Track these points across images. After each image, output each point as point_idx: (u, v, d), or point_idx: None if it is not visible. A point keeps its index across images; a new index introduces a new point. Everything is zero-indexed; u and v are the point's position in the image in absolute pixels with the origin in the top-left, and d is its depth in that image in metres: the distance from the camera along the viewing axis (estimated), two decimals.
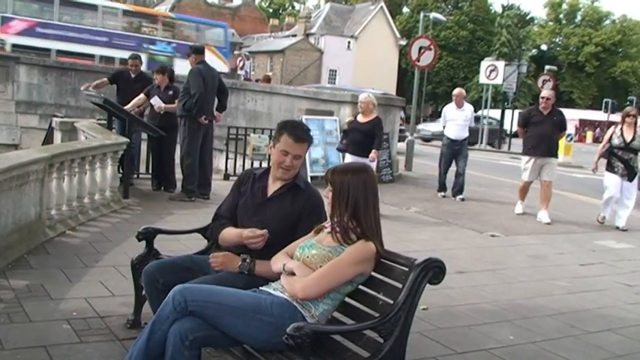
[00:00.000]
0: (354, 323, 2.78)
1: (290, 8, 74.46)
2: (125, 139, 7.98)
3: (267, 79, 19.64)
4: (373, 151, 8.22)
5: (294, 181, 3.27)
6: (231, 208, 3.40)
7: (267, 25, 56.73)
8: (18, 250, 5.16)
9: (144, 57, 26.45)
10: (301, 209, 3.20)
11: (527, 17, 60.78)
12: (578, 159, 21.70)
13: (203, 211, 7.30)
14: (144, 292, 3.42)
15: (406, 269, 2.71)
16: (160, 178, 9.14)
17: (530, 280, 5.94)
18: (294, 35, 52.56)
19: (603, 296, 5.62)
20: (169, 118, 8.74)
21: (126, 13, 29.42)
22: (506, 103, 33.50)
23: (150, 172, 9.57)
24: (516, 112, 34.06)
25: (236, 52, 38.16)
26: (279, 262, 2.97)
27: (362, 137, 8.28)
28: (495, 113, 32.85)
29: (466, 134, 10.64)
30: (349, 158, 8.37)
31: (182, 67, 24.72)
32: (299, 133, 3.20)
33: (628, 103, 33.01)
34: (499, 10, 59.51)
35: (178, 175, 8.84)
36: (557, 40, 66.29)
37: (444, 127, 10.86)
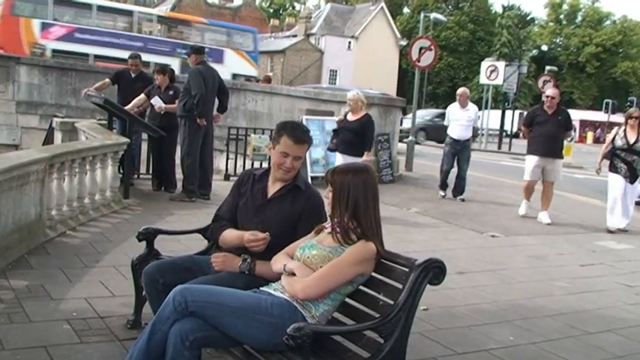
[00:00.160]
0: (355, 324, 2.78)
1: (290, 8, 74.47)
2: (125, 140, 7.99)
3: (268, 80, 19.64)
4: (365, 153, 8.04)
5: (294, 182, 3.27)
6: (231, 209, 3.40)
7: (268, 26, 56.69)
8: (18, 250, 5.16)
9: (177, 62, 26.85)
10: (301, 210, 3.20)
11: (528, 18, 60.83)
12: (578, 159, 21.71)
13: (203, 211, 7.30)
14: (144, 293, 3.42)
15: (406, 270, 2.71)
16: (161, 179, 9.15)
17: (530, 281, 5.94)
18: (295, 35, 52.57)
19: (603, 297, 5.62)
20: (170, 118, 8.74)
21: (160, 18, 30.08)
22: (506, 104, 33.50)
23: (150, 172, 9.57)
24: (517, 112, 34.24)
25: None
26: (279, 262, 2.97)
27: (352, 136, 8.14)
28: (496, 114, 32.85)
29: (469, 134, 10.54)
30: (340, 158, 8.24)
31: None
32: (299, 134, 3.19)
33: (628, 103, 33.03)
34: (499, 10, 59.61)
35: (179, 175, 8.84)
36: (557, 40, 66.34)
37: (447, 126, 10.81)
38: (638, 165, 8.78)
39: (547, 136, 8.91)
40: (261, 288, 2.93)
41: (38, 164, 5.47)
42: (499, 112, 32.74)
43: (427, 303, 4.57)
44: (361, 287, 2.90)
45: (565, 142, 9.66)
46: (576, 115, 46.57)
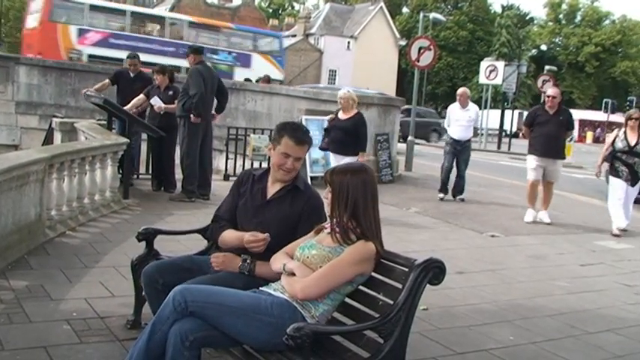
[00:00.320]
0: (354, 324, 2.78)
1: (290, 8, 74.47)
2: (125, 140, 7.98)
3: (267, 80, 19.63)
4: (360, 154, 7.86)
5: (294, 183, 3.27)
6: (230, 209, 3.39)
7: (267, 25, 56.70)
8: (18, 250, 5.16)
9: None
10: (301, 211, 3.20)
11: (527, 17, 60.86)
12: (578, 159, 21.73)
13: (203, 211, 7.30)
14: (144, 293, 3.42)
15: (406, 270, 2.71)
16: (160, 179, 9.15)
17: (530, 281, 5.94)
18: (294, 35, 52.55)
19: (603, 296, 5.62)
20: (169, 118, 8.74)
21: (191, 24, 30.57)
22: (505, 104, 33.53)
23: (150, 172, 9.57)
24: (516, 112, 34.27)
25: None
26: (278, 261, 2.97)
27: (343, 135, 7.99)
28: (495, 113, 32.87)
29: (470, 135, 10.47)
30: (332, 157, 8.15)
31: (241, 75, 25.21)
32: (300, 135, 3.20)
33: (628, 103, 33.07)
34: (499, 10, 59.65)
35: (178, 175, 8.84)
36: (556, 40, 66.37)
37: (447, 127, 10.75)
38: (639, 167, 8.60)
39: (548, 136, 8.80)
40: (260, 288, 2.93)
41: (38, 164, 5.46)
42: (498, 112, 32.77)
43: (427, 303, 4.57)
44: (361, 287, 2.90)
45: (565, 141, 9.51)
46: (576, 114, 46.33)
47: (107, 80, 9.74)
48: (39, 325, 3.83)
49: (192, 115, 8.23)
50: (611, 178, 8.87)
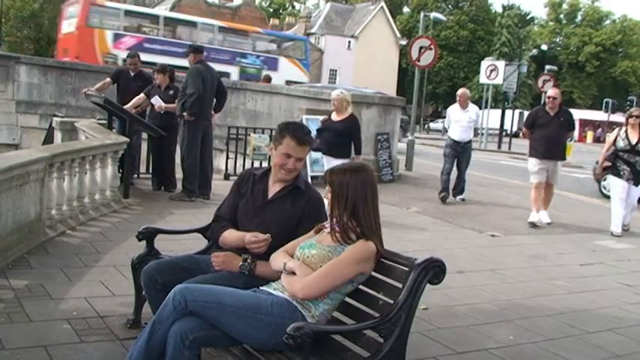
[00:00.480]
0: (354, 323, 2.78)
1: (290, 8, 74.42)
2: (125, 139, 7.99)
3: (268, 79, 19.64)
4: (355, 157, 7.69)
5: (295, 183, 3.27)
6: (231, 209, 3.39)
7: (268, 25, 56.66)
8: (18, 249, 5.16)
9: (236, 70, 28.20)
10: (302, 211, 3.20)
11: (528, 17, 60.78)
12: (578, 159, 21.71)
13: (203, 211, 7.30)
14: (144, 292, 3.42)
15: (406, 269, 2.71)
16: (161, 178, 9.15)
17: (530, 280, 5.94)
18: None
19: (603, 296, 5.62)
20: (170, 117, 8.74)
21: (221, 29, 31.28)
22: (506, 103, 33.55)
23: (150, 171, 9.58)
24: (517, 112, 34.28)
25: None
26: (279, 259, 2.97)
27: (334, 137, 7.79)
28: (496, 113, 32.89)
29: (470, 136, 10.40)
30: (324, 159, 8.01)
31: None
32: (302, 135, 3.20)
33: (628, 102, 33.02)
34: (499, 9, 59.62)
35: (179, 174, 8.84)
36: (557, 40, 66.36)
37: (447, 128, 10.67)
38: None
39: (550, 137, 8.69)
40: (261, 287, 2.93)
41: (38, 164, 5.46)
42: (499, 112, 32.80)
43: (427, 302, 4.58)
44: (361, 287, 2.90)
45: (566, 142, 9.43)
46: (576, 114, 46.38)
47: (108, 79, 9.74)
48: (39, 324, 3.83)
49: (185, 114, 8.23)
50: (612, 178, 8.78)
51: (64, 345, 3.56)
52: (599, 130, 49.51)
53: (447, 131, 10.89)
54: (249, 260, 3.09)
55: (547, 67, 34.34)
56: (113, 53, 25.66)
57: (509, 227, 8.55)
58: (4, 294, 4.30)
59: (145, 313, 3.70)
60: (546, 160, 8.82)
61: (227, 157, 11.01)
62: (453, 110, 10.47)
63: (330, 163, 7.60)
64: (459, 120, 10.21)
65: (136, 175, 9.45)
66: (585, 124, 50.58)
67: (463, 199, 10.44)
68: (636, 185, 8.63)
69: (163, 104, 8.79)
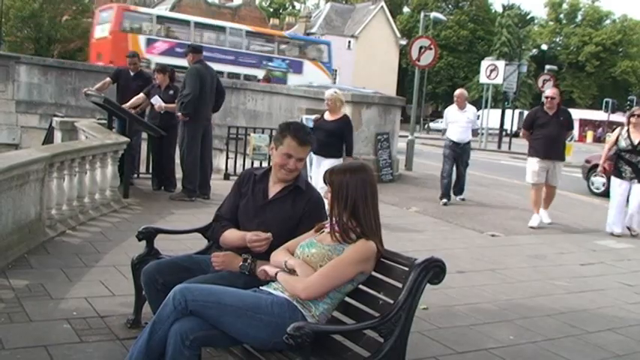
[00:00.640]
0: (355, 323, 2.78)
1: (290, 8, 74.39)
2: (125, 139, 7.99)
3: (268, 79, 19.66)
4: (346, 159, 7.55)
5: (295, 183, 3.27)
6: (232, 209, 3.39)
7: (268, 25, 56.72)
8: (18, 249, 5.16)
9: (262, 73, 29.44)
10: (302, 211, 3.20)
11: (528, 17, 60.73)
12: (579, 159, 21.69)
13: (203, 210, 7.31)
14: (144, 292, 3.42)
15: (406, 269, 2.71)
16: (161, 178, 9.15)
17: (530, 280, 5.94)
18: None
19: (603, 296, 5.62)
20: (170, 117, 8.74)
21: (248, 33, 32.11)
22: (506, 103, 33.55)
23: (150, 171, 9.58)
24: (517, 111, 34.29)
25: None
26: (280, 256, 2.97)
27: (326, 137, 7.60)
28: (496, 113, 32.90)
29: (469, 136, 10.35)
30: (313, 158, 7.88)
31: (294, 82, 26.18)
32: (303, 136, 3.20)
33: (628, 102, 33.03)
34: (499, 9, 59.58)
35: (179, 174, 8.84)
36: (557, 39, 66.32)
37: (445, 129, 10.62)
38: None
39: (549, 137, 8.61)
40: (261, 287, 2.93)
41: (38, 164, 5.46)
42: (499, 112, 32.81)
43: (427, 302, 4.58)
44: (361, 286, 2.90)
45: (566, 142, 9.34)
46: (576, 114, 46.57)
47: (108, 79, 9.74)
48: (39, 324, 3.83)
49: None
50: (612, 178, 8.71)
51: (64, 345, 3.56)
52: (600, 129, 49.49)
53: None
54: (249, 260, 3.09)
55: (547, 66, 34.34)
56: (146, 58, 25.88)
57: (509, 227, 8.55)
58: (4, 294, 4.30)
59: (145, 313, 3.70)
60: (547, 160, 8.73)
61: (227, 157, 11.01)
62: (451, 111, 10.40)
63: (319, 162, 7.55)
64: (457, 121, 10.16)
65: (136, 175, 9.45)
66: (585, 123, 50.57)
67: (463, 199, 10.43)
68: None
69: (163, 104, 8.79)
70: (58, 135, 10.74)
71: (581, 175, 14.74)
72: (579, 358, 4.12)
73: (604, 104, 36.55)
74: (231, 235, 3.27)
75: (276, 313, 2.70)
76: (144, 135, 9.46)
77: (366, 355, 2.64)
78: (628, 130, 8.52)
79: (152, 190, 9.05)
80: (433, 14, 32.02)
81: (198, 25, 30.59)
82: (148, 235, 3.64)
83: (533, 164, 8.84)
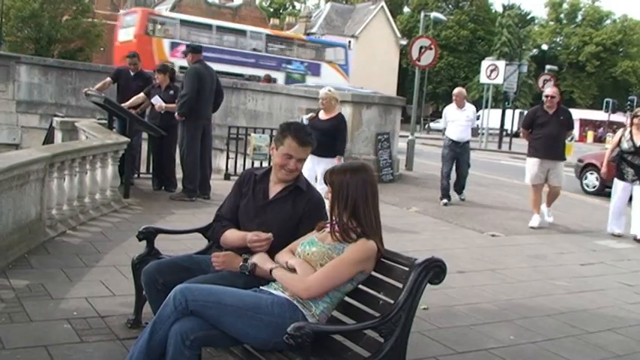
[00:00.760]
0: (355, 323, 2.78)
1: (290, 8, 74.39)
2: (125, 139, 7.99)
3: (268, 79, 19.67)
4: (337, 158, 7.49)
5: (296, 183, 3.27)
6: (232, 209, 3.39)
7: (268, 25, 56.75)
8: (18, 249, 5.16)
9: (282, 75, 29.36)
10: (302, 211, 3.20)
11: (528, 17, 60.73)
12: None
13: (204, 210, 7.31)
14: (144, 292, 3.42)
15: (407, 269, 2.71)
16: (161, 178, 9.15)
17: (530, 280, 5.94)
18: None
19: (603, 296, 5.62)
20: (170, 117, 8.73)
21: (268, 36, 32.75)
22: (506, 103, 33.55)
23: (150, 171, 9.58)
24: (517, 111, 34.29)
25: None
26: (283, 257, 2.98)
27: (321, 135, 7.25)
28: (496, 113, 32.90)
29: (469, 136, 10.33)
30: (308, 158, 7.87)
31: (312, 83, 26.08)
32: (303, 136, 3.20)
33: (629, 102, 33.02)
34: (500, 9, 59.55)
35: (179, 174, 8.84)
36: (557, 39, 66.29)
37: (444, 128, 10.61)
38: None
39: (549, 137, 8.52)
40: (261, 287, 2.93)
41: (38, 164, 5.47)
42: (499, 112, 32.81)
43: (427, 302, 4.58)
44: (361, 286, 2.90)
45: (566, 142, 9.28)
46: (576, 114, 46.59)
47: (108, 79, 9.75)
48: (39, 324, 3.83)
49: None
50: (615, 180, 8.62)
51: (64, 345, 3.56)
52: (600, 129, 49.48)
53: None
54: (249, 260, 3.10)
55: (547, 66, 34.32)
56: (170, 61, 25.95)
57: (509, 227, 8.55)
58: (4, 294, 4.30)
59: (145, 313, 3.70)
60: (547, 160, 8.64)
61: (227, 157, 11.01)
62: (450, 110, 10.37)
63: (314, 162, 7.40)
64: (457, 119, 10.14)
65: (136, 175, 9.45)
66: (586, 123, 50.54)
67: (463, 199, 10.43)
68: None
69: (164, 104, 8.79)
70: (58, 135, 10.75)
71: (574, 175, 14.70)
72: (579, 358, 4.12)
73: (604, 104, 36.56)
74: (232, 235, 3.27)
75: (276, 313, 2.70)
76: (144, 135, 9.47)
77: (366, 355, 2.65)
78: (630, 132, 8.43)
79: (152, 190, 9.05)
80: (433, 14, 32.02)
81: (219, 28, 31.35)
82: (148, 235, 3.64)
83: (532, 165, 8.76)
